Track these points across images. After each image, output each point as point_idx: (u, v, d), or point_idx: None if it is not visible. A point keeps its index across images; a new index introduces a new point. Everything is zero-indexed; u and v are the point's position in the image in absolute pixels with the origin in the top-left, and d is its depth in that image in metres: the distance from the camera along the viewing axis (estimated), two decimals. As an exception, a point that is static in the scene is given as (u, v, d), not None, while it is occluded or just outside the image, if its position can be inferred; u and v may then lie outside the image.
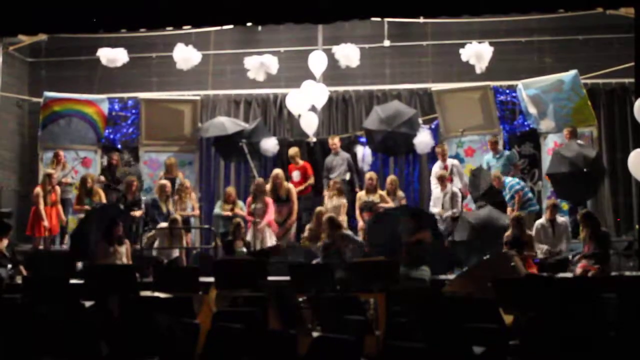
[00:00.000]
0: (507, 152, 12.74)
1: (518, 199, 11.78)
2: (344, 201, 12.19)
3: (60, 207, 12.36)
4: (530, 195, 12.16)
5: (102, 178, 13.00)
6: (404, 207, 11.76)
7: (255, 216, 11.84)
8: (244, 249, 10.90)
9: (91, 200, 12.28)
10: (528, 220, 11.58)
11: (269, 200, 12.05)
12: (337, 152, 13.04)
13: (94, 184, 12.53)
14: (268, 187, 12.25)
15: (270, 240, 11.85)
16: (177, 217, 11.82)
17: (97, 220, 11.43)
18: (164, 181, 12.52)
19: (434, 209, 11.99)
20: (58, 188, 12.43)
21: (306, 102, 13.19)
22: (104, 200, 12.45)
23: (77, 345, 6.32)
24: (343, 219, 11.76)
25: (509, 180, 12.00)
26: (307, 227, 11.77)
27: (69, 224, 12.68)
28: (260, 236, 11.78)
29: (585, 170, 11.31)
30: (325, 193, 12.44)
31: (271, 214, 11.98)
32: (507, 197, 11.84)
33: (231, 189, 12.76)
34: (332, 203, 12.08)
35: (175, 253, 11.66)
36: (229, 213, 12.22)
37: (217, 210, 12.58)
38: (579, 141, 12.09)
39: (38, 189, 12.30)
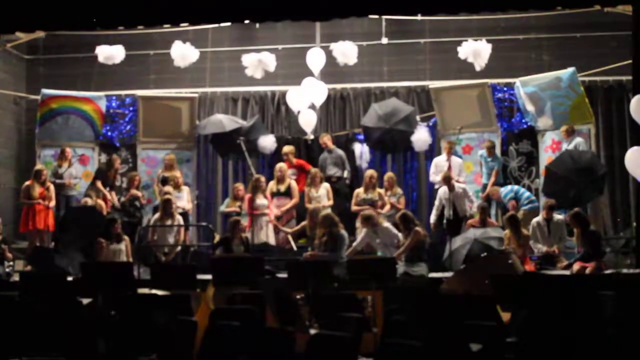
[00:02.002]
0: (497, 159, 12.80)
1: (512, 207, 11.97)
2: (326, 185, 12.25)
3: (53, 203, 12.34)
4: (527, 193, 12.22)
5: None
6: None
7: (259, 212, 11.88)
8: (242, 247, 10.88)
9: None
10: (529, 217, 11.63)
11: (269, 195, 12.10)
12: (330, 150, 13.04)
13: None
14: (271, 183, 12.29)
15: (271, 235, 11.91)
16: (170, 197, 11.82)
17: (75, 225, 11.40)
18: (168, 196, 12.18)
19: (445, 211, 11.73)
20: (52, 185, 12.40)
21: (306, 99, 13.20)
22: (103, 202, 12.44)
23: (75, 343, 6.32)
24: (330, 203, 12.05)
25: (504, 194, 12.16)
26: (302, 224, 11.75)
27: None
28: (262, 231, 11.84)
29: (577, 180, 11.40)
30: (305, 189, 12.40)
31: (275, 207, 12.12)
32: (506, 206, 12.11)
33: (240, 185, 12.72)
34: (316, 193, 12.10)
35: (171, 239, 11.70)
36: (237, 209, 12.20)
37: (222, 208, 12.57)
38: (590, 150, 12.13)
39: (26, 183, 12.32)
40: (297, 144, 13.62)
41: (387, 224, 11.03)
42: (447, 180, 11.79)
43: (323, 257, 10.19)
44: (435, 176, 12.53)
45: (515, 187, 12.44)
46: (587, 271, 9.83)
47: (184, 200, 12.54)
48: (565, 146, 12.36)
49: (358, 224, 11.76)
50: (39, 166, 12.68)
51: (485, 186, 12.68)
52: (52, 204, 12.30)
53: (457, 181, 12.23)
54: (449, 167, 12.35)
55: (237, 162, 14.03)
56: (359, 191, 12.13)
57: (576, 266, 10.04)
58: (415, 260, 10.28)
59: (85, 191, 12.66)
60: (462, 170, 12.63)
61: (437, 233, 11.80)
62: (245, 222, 11.64)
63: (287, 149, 13.00)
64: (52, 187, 12.33)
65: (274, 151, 13.53)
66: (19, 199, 12.37)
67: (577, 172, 11.56)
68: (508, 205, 12.09)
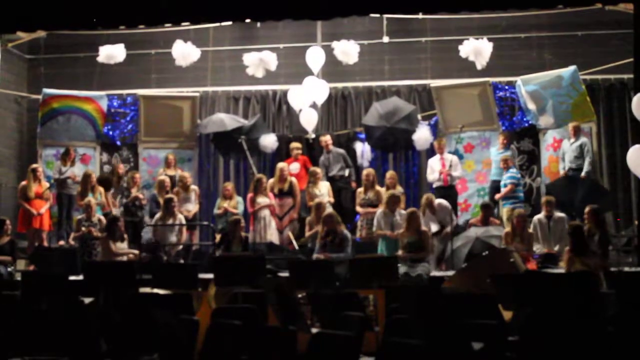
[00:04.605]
0: (508, 151, 12.79)
1: (508, 190, 11.99)
2: (326, 184, 12.30)
3: (48, 204, 12.35)
4: (520, 194, 12.19)
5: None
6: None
7: (261, 211, 11.88)
8: (240, 247, 10.88)
9: (93, 196, 12.25)
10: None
11: (271, 194, 12.12)
12: (329, 150, 13.04)
13: (96, 181, 12.54)
14: (271, 181, 12.29)
15: (274, 234, 11.91)
16: (173, 196, 11.88)
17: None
18: (163, 177, 12.58)
19: (434, 227, 11.56)
20: (46, 183, 12.41)
21: (307, 98, 13.20)
22: (103, 197, 12.44)
23: (77, 342, 6.33)
24: (331, 200, 12.12)
25: (515, 170, 12.17)
26: (308, 220, 11.72)
27: (73, 221, 12.59)
28: (264, 230, 11.85)
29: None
30: (307, 189, 12.40)
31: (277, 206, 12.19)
32: (502, 183, 12.19)
33: (229, 184, 12.77)
34: (319, 191, 12.09)
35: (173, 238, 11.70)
36: (230, 209, 12.23)
37: (215, 210, 12.61)
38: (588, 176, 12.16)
39: (22, 183, 12.36)
40: (300, 143, 13.61)
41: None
42: (431, 205, 11.54)
43: (333, 258, 10.11)
44: (431, 176, 12.55)
45: (522, 179, 12.39)
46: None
47: (192, 201, 12.52)
48: (568, 144, 12.34)
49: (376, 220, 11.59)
50: (34, 164, 12.69)
51: (493, 183, 12.67)
52: (45, 207, 12.29)
53: (450, 174, 12.26)
54: (443, 164, 12.37)
55: (239, 161, 14.03)
56: (360, 191, 12.14)
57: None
58: (418, 260, 10.29)
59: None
60: (456, 165, 12.57)
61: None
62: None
63: (294, 145, 13.16)
64: (45, 185, 12.34)
65: (275, 150, 13.55)
66: (18, 197, 12.39)
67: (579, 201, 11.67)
68: (506, 182, 12.07)
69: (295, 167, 12.92)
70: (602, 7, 11.93)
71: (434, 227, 11.44)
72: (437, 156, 12.62)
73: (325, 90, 13.27)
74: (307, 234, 11.54)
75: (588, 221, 10.31)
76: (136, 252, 11.14)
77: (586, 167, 12.10)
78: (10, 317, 6.82)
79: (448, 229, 11.43)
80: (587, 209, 10.41)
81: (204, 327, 6.23)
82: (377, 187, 12.04)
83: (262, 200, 11.99)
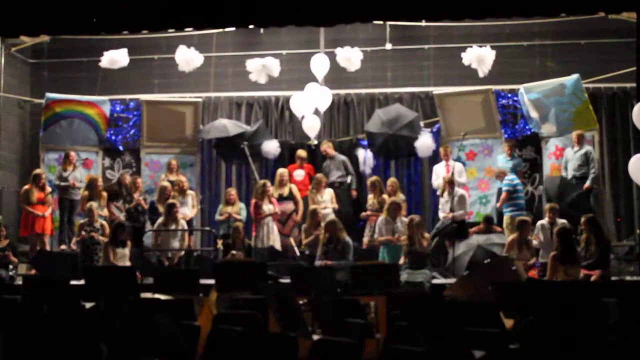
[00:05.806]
0: (516, 159, 12.79)
1: (505, 196, 12.01)
2: (330, 191, 12.34)
3: (50, 210, 12.34)
4: (520, 201, 12.18)
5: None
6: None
7: (264, 218, 11.89)
8: (242, 253, 10.87)
9: (98, 203, 12.24)
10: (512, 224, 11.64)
11: (274, 200, 12.13)
12: (331, 157, 13.06)
13: (102, 188, 12.54)
14: (272, 188, 12.29)
15: (276, 240, 11.91)
16: (175, 202, 11.90)
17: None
18: (164, 183, 12.56)
19: (441, 213, 11.94)
20: (48, 188, 12.41)
21: (310, 104, 13.21)
22: (105, 208, 12.41)
23: (78, 347, 6.32)
24: (335, 206, 12.17)
25: (511, 177, 12.16)
26: (303, 227, 11.73)
27: (74, 225, 12.58)
28: (267, 236, 11.85)
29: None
30: (309, 194, 12.42)
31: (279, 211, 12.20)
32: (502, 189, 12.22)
33: (232, 190, 12.76)
34: (321, 198, 12.09)
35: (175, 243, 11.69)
36: (222, 218, 12.24)
37: (216, 216, 12.61)
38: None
39: (25, 187, 12.36)
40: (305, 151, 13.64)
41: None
42: (451, 183, 11.81)
43: (335, 266, 10.10)
44: (436, 182, 12.58)
45: (520, 187, 12.39)
46: (592, 279, 9.78)
47: (189, 205, 12.51)
48: (572, 152, 12.32)
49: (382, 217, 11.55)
50: (37, 170, 12.70)
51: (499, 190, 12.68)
52: (49, 211, 12.29)
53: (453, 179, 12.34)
54: (447, 171, 12.39)
55: (241, 166, 14.03)
56: (370, 197, 12.22)
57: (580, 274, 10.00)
58: (419, 267, 10.27)
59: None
60: (462, 173, 12.62)
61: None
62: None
63: (301, 152, 13.20)
64: (48, 189, 12.33)
65: (277, 156, 13.55)
66: (20, 201, 12.41)
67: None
68: (503, 189, 12.09)
69: (299, 174, 12.92)
70: (605, 16, 11.95)
71: (443, 213, 11.55)
72: (443, 162, 12.67)
73: (328, 96, 13.29)
74: (304, 240, 11.54)
75: (585, 231, 10.29)
76: (125, 253, 11.12)
77: (590, 176, 12.09)
78: (12, 321, 6.82)
79: (454, 213, 11.53)
80: (582, 219, 10.40)
81: (205, 332, 6.22)
82: (384, 195, 12.04)
83: (267, 207, 11.97)
